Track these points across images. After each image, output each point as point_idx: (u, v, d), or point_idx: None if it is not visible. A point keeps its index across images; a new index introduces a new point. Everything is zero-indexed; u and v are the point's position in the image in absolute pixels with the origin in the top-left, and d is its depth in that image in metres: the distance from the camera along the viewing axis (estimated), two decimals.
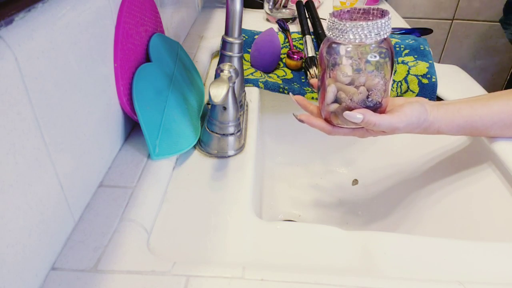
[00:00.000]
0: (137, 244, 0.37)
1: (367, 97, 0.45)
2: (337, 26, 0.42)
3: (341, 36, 0.42)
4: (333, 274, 0.36)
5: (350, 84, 0.45)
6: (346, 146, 0.82)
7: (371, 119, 0.45)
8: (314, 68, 0.73)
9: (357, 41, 0.42)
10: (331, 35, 0.43)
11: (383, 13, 0.43)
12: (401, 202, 0.69)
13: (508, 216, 0.50)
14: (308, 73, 0.73)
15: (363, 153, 0.81)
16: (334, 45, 0.44)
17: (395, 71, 0.72)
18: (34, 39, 0.30)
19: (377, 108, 0.46)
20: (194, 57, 0.72)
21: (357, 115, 0.45)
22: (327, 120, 0.49)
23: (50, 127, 0.33)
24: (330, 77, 0.46)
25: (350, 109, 0.46)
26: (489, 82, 1.43)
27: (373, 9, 0.44)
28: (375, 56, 0.44)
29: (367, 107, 0.46)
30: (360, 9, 0.46)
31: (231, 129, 0.50)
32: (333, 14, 0.44)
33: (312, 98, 0.67)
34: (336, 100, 0.46)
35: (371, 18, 0.45)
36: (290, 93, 0.53)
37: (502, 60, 1.35)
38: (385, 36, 0.42)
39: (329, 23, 0.43)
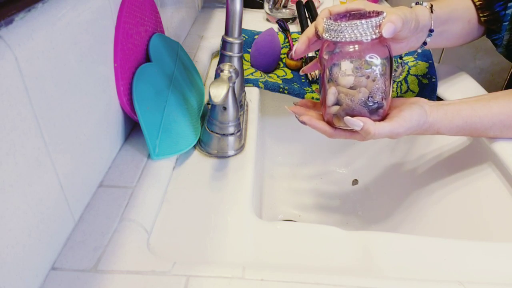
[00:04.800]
0: (137, 244, 0.37)
1: (368, 98, 0.45)
2: (332, 27, 0.43)
3: (337, 36, 0.43)
4: (333, 274, 0.36)
5: (352, 88, 0.45)
6: (346, 146, 0.82)
7: (370, 129, 0.44)
8: None
9: (353, 39, 0.42)
10: (327, 37, 0.44)
11: (378, 14, 0.44)
12: (401, 202, 0.69)
13: (508, 216, 0.50)
14: (308, 73, 0.73)
15: (363, 153, 0.81)
16: (332, 48, 0.45)
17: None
18: (34, 39, 0.30)
19: (379, 108, 0.46)
20: (194, 57, 0.72)
21: (359, 123, 0.44)
22: (329, 123, 0.49)
23: (50, 127, 0.33)
24: (330, 80, 0.46)
25: (352, 109, 0.46)
26: (489, 82, 1.42)
27: (370, 12, 0.45)
28: (374, 57, 0.44)
29: (368, 108, 0.46)
30: (357, 12, 0.46)
31: (231, 129, 0.50)
32: (329, 17, 0.44)
33: (312, 98, 0.67)
34: (338, 102, 0.46)
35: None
36: (286, 106, 0.52)
37: (502, 60, 1.35)
38: (381, 35, 0.43)
39: (325, 25, 0.44)
